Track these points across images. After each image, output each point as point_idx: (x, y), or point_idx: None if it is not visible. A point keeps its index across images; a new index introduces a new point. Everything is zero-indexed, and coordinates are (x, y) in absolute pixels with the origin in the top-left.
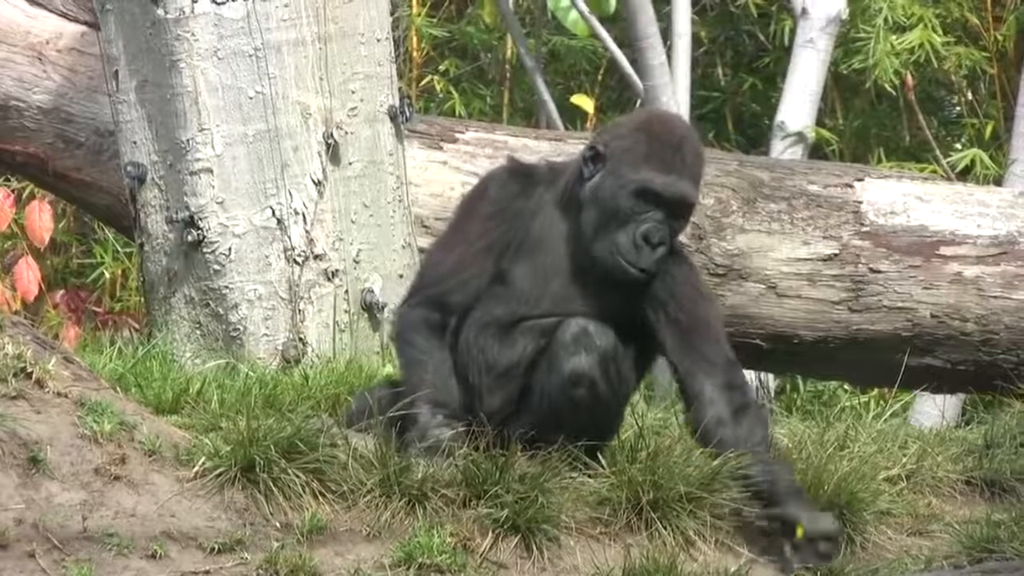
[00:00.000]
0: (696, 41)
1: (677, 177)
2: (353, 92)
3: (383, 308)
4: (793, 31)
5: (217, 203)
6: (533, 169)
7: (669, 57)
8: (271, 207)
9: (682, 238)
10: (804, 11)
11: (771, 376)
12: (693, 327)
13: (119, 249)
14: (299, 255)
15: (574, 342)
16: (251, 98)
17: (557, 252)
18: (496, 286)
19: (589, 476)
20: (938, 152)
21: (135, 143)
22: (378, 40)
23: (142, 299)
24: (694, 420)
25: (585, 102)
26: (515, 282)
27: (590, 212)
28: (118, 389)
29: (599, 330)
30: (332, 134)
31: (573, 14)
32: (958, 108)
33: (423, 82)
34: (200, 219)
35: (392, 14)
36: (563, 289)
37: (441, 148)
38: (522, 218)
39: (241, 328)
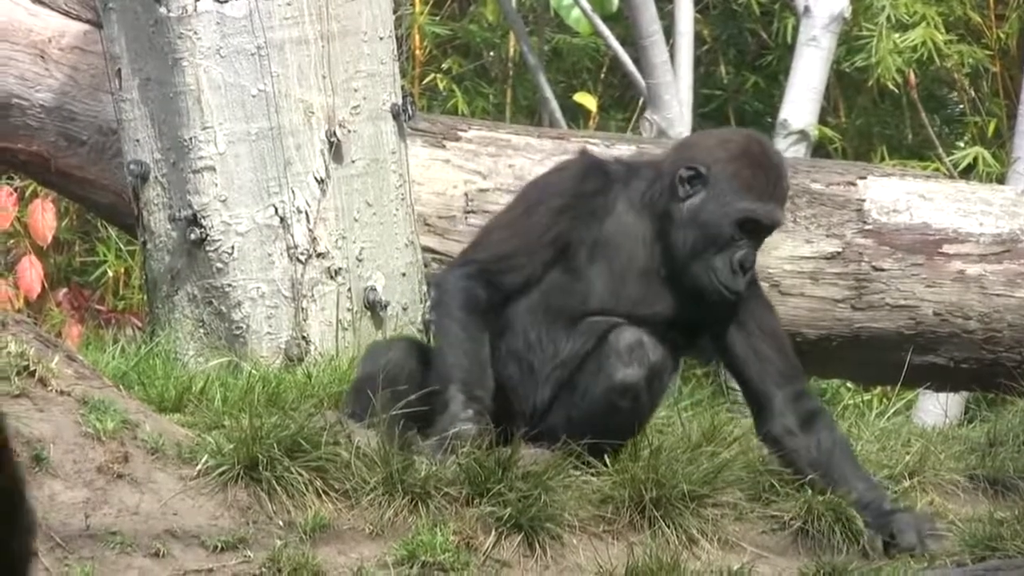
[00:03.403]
0: (699, 39)
1: (776, 206)
2: (356, 90)
3: (386, 306)
4: (796, 29)
5: (220, 201)
6: (609, 167)
7: (672, 55)
8: (274, 205)
9: None
10: (807, 9)
11: None
12: (763, 337)
13: (122, 247)
14: (302, 253)
15: (628, 352)
16: (254, 96)
17: (635, 255)
18: (556, 276)
19: (592, 474)
20: (941, 150)
21: (138, 141)
22: (381, 38)
23: (145, 297)
24: (764, 429)
25: (588, 100)
26: (590, 279)
27: (688, 232)
28: (121, 387)
29: (652, 343)
30: (335, 132)
31: (575, 12)
32: (961, 106)
33: (426, 80)
34: (203, 217)
35: (395, 12)
36: (639, 291)
37: (444, 146)
38: (596, 216)
39: (244, 326)
